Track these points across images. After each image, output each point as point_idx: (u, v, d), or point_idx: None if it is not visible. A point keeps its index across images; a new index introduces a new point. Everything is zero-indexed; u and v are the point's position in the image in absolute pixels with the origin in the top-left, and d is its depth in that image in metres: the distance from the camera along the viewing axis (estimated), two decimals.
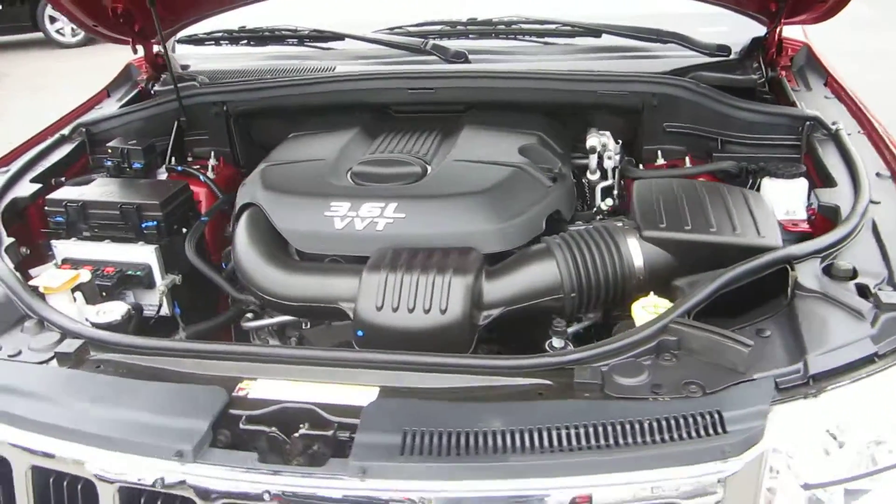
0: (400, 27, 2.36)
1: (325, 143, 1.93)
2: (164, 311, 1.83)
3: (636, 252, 1.48)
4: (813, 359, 1.16)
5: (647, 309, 1.37)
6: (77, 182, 1.97)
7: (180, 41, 2.57)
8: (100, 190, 1.90)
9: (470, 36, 2.34)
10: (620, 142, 1.95)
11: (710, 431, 1.08)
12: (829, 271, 1.36)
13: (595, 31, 2.26)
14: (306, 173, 1.77)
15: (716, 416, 1.10)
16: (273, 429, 1.18)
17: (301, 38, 2.44)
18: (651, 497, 1.07)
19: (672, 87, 1.95)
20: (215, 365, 1.33)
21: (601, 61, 2.20)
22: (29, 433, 1.20)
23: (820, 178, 1.71)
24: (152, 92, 2.38)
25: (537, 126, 1.96)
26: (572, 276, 1.46)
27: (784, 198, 1.68)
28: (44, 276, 1.61)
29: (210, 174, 2.12)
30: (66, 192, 1.89)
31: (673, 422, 1.10)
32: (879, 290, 1.30)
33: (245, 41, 2.52)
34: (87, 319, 1.50)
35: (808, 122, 1.83)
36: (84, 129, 2.15)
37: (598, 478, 1.07)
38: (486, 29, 2.33)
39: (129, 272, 1.78)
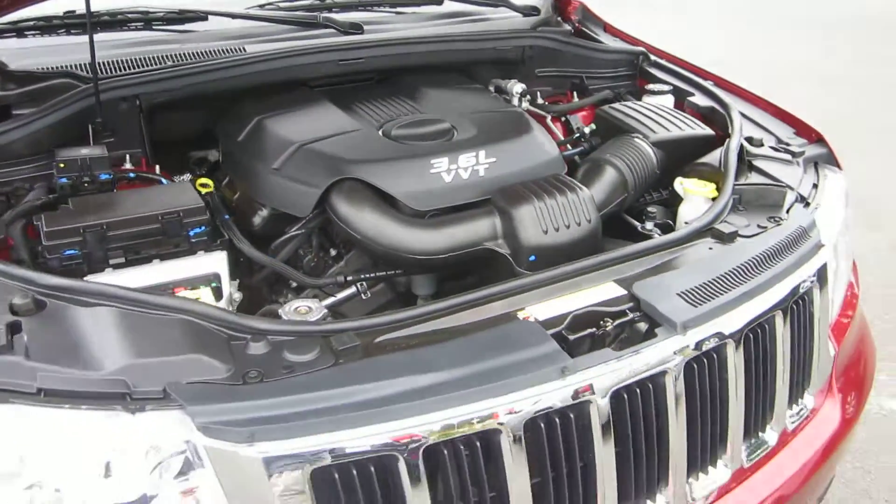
0: (270, 4, 2.30)
1: (320, 118, 1.90)
2: None
3: (652, 153, 1.97)
4: None
5: (692, 183, 1.89)
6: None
7: None
8: (103, 209, 1.55)
9: (333, 10, 2.41)
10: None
11: None
12: (751, 142, 2.07)
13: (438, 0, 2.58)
14: (365, 143, 1.77)
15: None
16: (594, 328, 1.37)
17: (157, 20, 2.17)
18: None
19: (546, 40, 2.44)
20: (482, 310, 1.40)
21: (453, 26, 2.53)
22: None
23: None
24: None
25: (465, 81, 2.25)
26: (630, 178, 1.89)
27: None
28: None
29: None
30: (64, 220, 1.50)
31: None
32: (787, 146, 2.05)
33: (68, 29, 2.12)
34: (296, 321, 1.35)
35: (640, 56, 2.52)
36: None
37: None
38: (351, 1, 2.44)
39: (202, 287, 1.55)
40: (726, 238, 1.64)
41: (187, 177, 2.02)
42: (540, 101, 2.49)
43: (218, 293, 1.57)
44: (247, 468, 1.13)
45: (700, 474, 1.50)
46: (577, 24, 2.74)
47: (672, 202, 2.00)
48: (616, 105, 2.20)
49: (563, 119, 2.39)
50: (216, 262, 1.58)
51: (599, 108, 2.23)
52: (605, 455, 1.33)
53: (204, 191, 1.91)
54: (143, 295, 1.28)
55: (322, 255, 1.83)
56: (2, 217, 1.58)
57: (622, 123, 2.08)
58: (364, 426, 1.16)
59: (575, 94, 2.51)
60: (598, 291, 1.48)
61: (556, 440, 1.29)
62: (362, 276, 1.75)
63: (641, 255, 1.58)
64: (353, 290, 1.77)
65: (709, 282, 1.49)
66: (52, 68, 1.95)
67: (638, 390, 1.36)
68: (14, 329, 1.22)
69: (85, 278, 1.48)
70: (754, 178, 1.90)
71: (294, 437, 1.13)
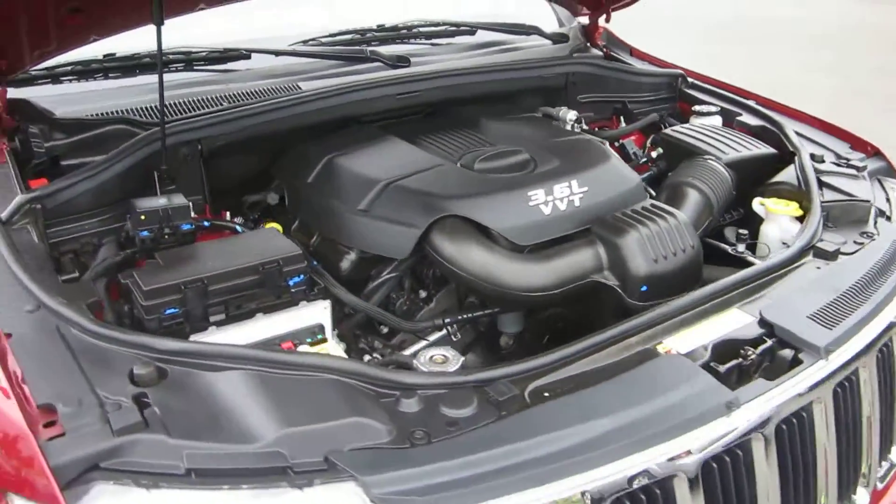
0: (312, 40, 2.22)
1: (394, 154, 1.83)
2: None
3: (727, 174, 1.95)
4: None
5: (773, 202, 1.87)
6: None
7: (14, 81, 1.88)
8: (196, 262, 1.44)
9: (372, 44, 2.35)
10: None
11: None
12: (814, 158, 2.07)
13: (472, 30, 2.54)
14: (454, 178, 1.70)
15: None
16: (739, 358, 1.32)
17: (199, 59, 2.07)
18: None
19: (588, 66, 2.42)
20: (617, 349, 1.34)
21: (491, 56, 2.48)
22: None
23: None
24: (38, 148, 1.72)
25: (514, 110, 2.22)
26: (714, 200, 1.85)
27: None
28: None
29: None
30: (161, 276, 1.38)
31: None
32: (847, 161, 2.05)
33: (107, 73, 2.00)
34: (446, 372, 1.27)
35: (679, 78, 2.52)
36: (35, 207, 1.51)
37: None
38: (390, 35, 2.37)
39: (308, 339, 1.45)
40: (830, 256, 1.62)
41: (239, 220, 1.92)
42: (584, 126, 2.46)
43: (322, 345, 1.48)
44: None
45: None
46: (605, 49, 2.73)
47: (749, 222, 1.98)
48: (677, 128, 2.18)
49: (616, 144, 2.35)
50: (320, 312, 1.49)
51: (662, 133, 2.20)
52: (771, 492, 1.27)
53: None
54: (278, 354, 1.18)
55: (413, 298, 1.74)
56: (82, 278, 1.45)
57: (690, 146, 2.06)
58: (548, 483, 1.07)
59: (622, 118, 2.48)
60: (726, 319, 1.44)
61: (728, 480, 1.22)
62: (459, 318, 1.67)
63: (756, 280, 1.54)
64: (443, 331, 1.69)
65: (833, 301, 1.46)
66: (100, 115, 1.83)
67: (795, 421, 1.31)
68: (142, 402, 1.10)
69: (190, 338, 1.37)
70: (829, 194, 1.89)
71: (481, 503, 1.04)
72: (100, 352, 1.18)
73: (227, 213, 1.79)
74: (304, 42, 2.22)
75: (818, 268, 1.60)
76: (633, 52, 2.82)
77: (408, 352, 1.68)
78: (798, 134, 2.18)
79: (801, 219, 1.83)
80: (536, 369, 1.25)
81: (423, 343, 1.68)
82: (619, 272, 1.61)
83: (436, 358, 1.30)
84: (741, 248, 1.82)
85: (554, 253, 1.63)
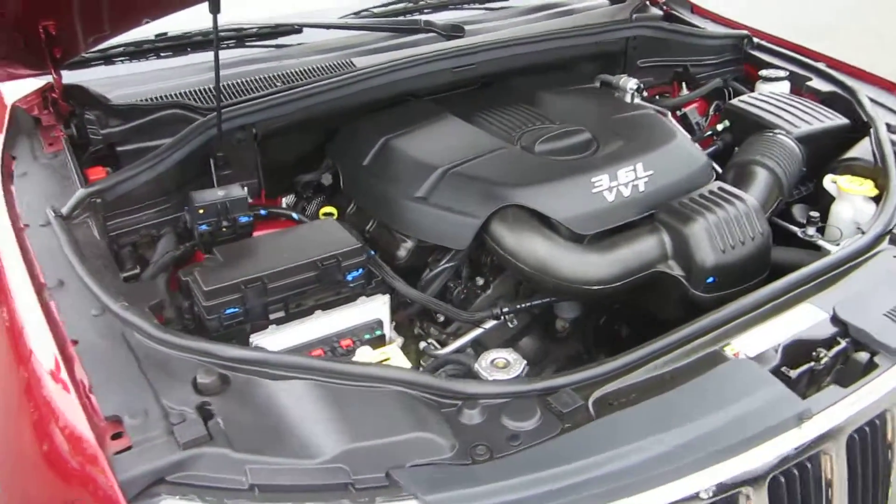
0: (365, 10, 2.16)
1: (453, 136, 1.78)
2: None
3: (798, 150, 1.85)
4: None
5: (846, 181, 1.77)
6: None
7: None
8: (255, 258, 1.44)
9: (425, 11, 2.28)
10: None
11: None
12: (890, 129, 1.94)
13: None
14: (514, 163, 1.65)
15: None
16: (811, 362, 1.27)
17: (250, 36, 2.03)
18: None
19: (649, 29, 2.31)
20: (684, 352, 1.30)
21: (548, 21, 2.38)
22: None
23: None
24: (95, 135, 1.73)
25: (573, 80, 2.13)
26: (784, 179, 1.77)
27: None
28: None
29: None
30: (221, 275, 1.39)
31: None
32: None
33: (159, 53, 1.98)
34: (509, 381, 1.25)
35: (744, 39, 2.38)
36: (95, 201, 1.51)
37: None
38: (443, 1, 2.30)
39: (367, 336, 1.45)
40: None
41: (291, 199, 1.91)
42: (644, 93, 2.36)
43: (381, 341, 1.47)
44: None
45: None
46: (665, 8, 2.60)
47: (818, 199, 1.89)
48: (743, 98, 2.07)
49: (678, 113, 2.26)
50: (379, 307, 1.48)
51: (727, 104, 2.10)
52: None
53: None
54: (342, 365, 1.17)
55: (470, 285, 1.72)
56: (142, 274, 1.47)
57: (759, 119, 1.95)
58: (618, 501, 1.06)
59: (684, 84, 2.38)
60: (797, 316, 1.37)
61: (795, 494, 1.19)
62: (518, 307, 1.64)
63: (829, 272, 1.47)
64: (500, 320, 1.67)
65: None
66: (155, 99, 1.82)
67: (868, 430, 1.26)
68: (206, 413, 1.12)
69: (251, 337, 1.38)
70: None
71: None
72: (163, 358, 1.19)
73: (283, 200, 1.78)
74: (356, 14, 2.15)
75: (895, 257, 1.52)
76: (694, 8, 2.68)
77: (464, 339, 1.67)
78: (873, 101, 2.05)
79: (876, 199, 1.74)
80: (601, 376, 1.22)
81: (479, 330, 1.66)
82: (685, 262, 1.56)
83: (497, 362, 1.28)
84: (811, 231, 1.74)
85: (616, 242, 1.57)
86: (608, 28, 2.25)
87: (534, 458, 1.09)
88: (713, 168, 1.83)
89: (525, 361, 1.29)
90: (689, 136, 2.06)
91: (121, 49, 1.95)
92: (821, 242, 1.72)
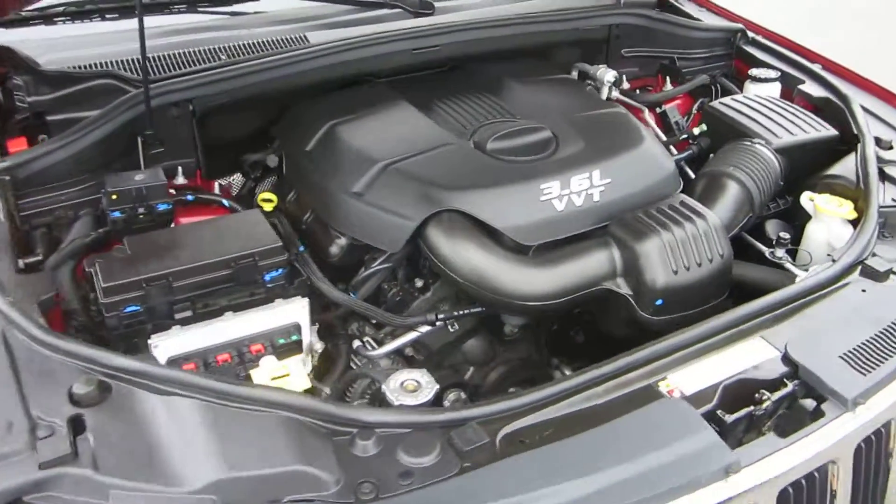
0: None
1: (402, 125, 1.66)
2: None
3: (776, 163, 1.72)
4: None
5: (824, 200, 1.64)
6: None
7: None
8: (164, 253, 1.34)
9: None
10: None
11: None
12: (880, 144, 1.80)
13: None
14: (461, 162, 1.53)
15: None
16: (751, 405, 1.16)
17: (204, 1, 1.90)
18: None
19: (635, 17, 2.15)
20: (616, 385, 1.19)
21: (529, 2, 2.22)
22: None
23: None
24: (21, 102, 1.62)
25: (548, 68, 2.00)
26: (756, 194, 1.64)
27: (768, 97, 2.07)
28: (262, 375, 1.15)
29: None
30: (123, 271, 1.29)
31: None
32: None
33: (103, 15, 1.86)
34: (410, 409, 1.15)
35: (738, 34, 2.23)
36: (4, 179, 1.41)
37: None
38: None
39: (281, 340, 1.35)
40: (881, 277, 1.41)
41: (238, 178, 1.80)
42: (626, 85, 2.22)
43: (297, 346, 1.38)
44: None
45: None
46: None
47: (794, 216, 1.77)
48: (726, 100, 1.93)
49: (658, 110, 2.12)
50: (297, 310, 1.38)
51: (708, 106, 1.95)
52: None
53: (268, 207, 1.70)
54: (228, 386, 1.07)
55: (407, 288, 1.62)
56: (46, 261, 1.36)
57: (738, 125, 1.82)
58: None
59: (667, 78, 2.23)
60: (745, 352, 1.27)
61: None
62: (454, 314, 1.53)
63: (789, 304, 1.36)
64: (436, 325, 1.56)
65: (874, 338, 1.27)
66: (89, 66, 1.70)
67: (804, 484, 1.16)
68: (77, 427, 1.03)
69: (151, 339, 1.28)
70: (891, 191, 1.65)
71: None
72: (43, 361, 1.11)
73: (216, 185, 1.67)
74: None
75: (864, 290, 1.40)
76: None
77: (402, 340, 1.57)
78: (866, 111, 1.91)
79: (855, 222, 1.61)
80: (514, 410, 1.12)
81: (415, 334, 1.56)
82: (634, 281, 1.44)
83: (407, 385, 1.18)
84: (780, 252, 1.61)
85: (562, 256, 1.46)
86: (589, 14, 2.11)
87: (422, 500, 0.99)
88: (682, 176, 1.70)
89: (437, 387, 1.19)
90: (659, 139, 1.93)
91: (61, 9, 1.82)
92: (788, 266, 1.60)
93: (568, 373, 1.63)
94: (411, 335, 1.57)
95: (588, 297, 1.45)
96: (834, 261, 1.44)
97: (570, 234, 1.50)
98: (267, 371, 1.17)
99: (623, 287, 1.45)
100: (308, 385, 1.17)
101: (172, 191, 1.64)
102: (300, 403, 1.07)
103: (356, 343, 1.58)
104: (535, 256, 1.47)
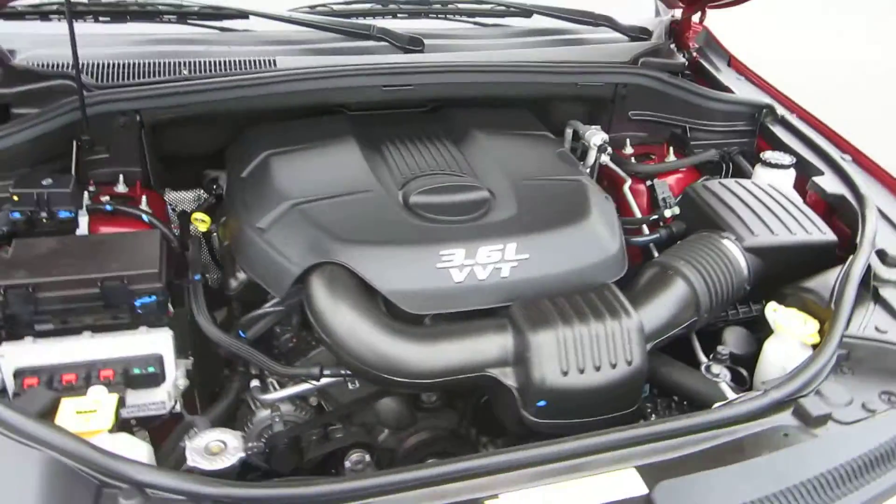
0: (322, 5, 1.99)
1: (335, 165, 1.59)
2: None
3: (744, 264, 1.52)
4: None
5: (787, 316, 1.44)
6: None
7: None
8: (40, 261, 1.32)
9: (398, 16, 2.07)
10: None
11: None
12: (883, 259, 1.56)
13: (527, 12, 2.17)
14: (369, 213, 1.44)
15: None
16: None
17: (191, 14, 1.91)
18: None
19: (645, 78, 1.99)
20: (435, 493, 1.06)
21: (537, 49, 2.10)
22: None
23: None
24: None
25: (533, 123, 1.87)
26: (704, 298, 1.45)
27: (776, 185, 1.85)
28: (66, 412, 1.10)
29: (145, 208, 1.62)
30: None
31: None
32: None
33: (96, 17, 1.90)
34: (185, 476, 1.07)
35: (763, 110, 2.02)
36: None
37: None
38: (420, 8, 2.08)
39: (136, 371, 1.31)
40: (812, 422, 1.19)
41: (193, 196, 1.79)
42: (629, 149, 2.06)
43: (154, 380, 1.32)
44: None
45: None
46: (693, 55, 2.25)
47: (760, 328, 1.55)
48: (711, 184, 1.73)
49: (648, 183, 1.94)
50: (159, 342, 1.33)
51: (689, 187, 1.77)
52: None
53: (202, 227, 1.67)
54: (4, 413, 1.03)
55: (304, 335, 1.53)
56: None
57: (713, 213, 1.63)
58: None
59: (671, 148, 2.05)
60: (606, 483, 1.10)
61: None
62: (342, 373, 1.44)
63: (687, 434, 1.17)
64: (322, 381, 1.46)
65: (772, 497, 1.07)
66: (61, 66, 1.74)
67: None
68: None
69: (1, 346, 1.26)
70: (877, 317, 1.42)
71: None
72: None
73: (144, 200, 1.65)
74: (311, 8, 1.97)
75: (786, 435, 1.19)
76: (731, 61, 2.31)
77: (301, 387, 1.49)
78: (884, 216, 1.67)
79: (816, 346, 1.39)
80: (297, 499, 1.01)
81: (307, 386, 1.47)
82: (521, 374, 1.29)
83: (212, 446, 1.10)
84: (716, 369, 1.41)
85: (448, 332, 1.32)
86: (590, 70, 1.96)
87: None
88: (625, 264, 1.52)
89: (242, 455, 1.10)
90: (626, 218, 1.76)
91: (55, 7, 1.87)
92: (722, 386, 1.40)
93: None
94: (305, 385, 1.49)
95: (472, 382, 1.31)
96: (766, 391, 1.24)
97: (464, 308, 1.36)
98: (74, 403, 1.12)
99: (509, 378, 1.30)
100: (110, 426, 1.11)
101: (106, 197, 1.65)
102: (71, 448, 1.00)
103: (254, 383, 1.52)
104: (420, 329, 1.35)
